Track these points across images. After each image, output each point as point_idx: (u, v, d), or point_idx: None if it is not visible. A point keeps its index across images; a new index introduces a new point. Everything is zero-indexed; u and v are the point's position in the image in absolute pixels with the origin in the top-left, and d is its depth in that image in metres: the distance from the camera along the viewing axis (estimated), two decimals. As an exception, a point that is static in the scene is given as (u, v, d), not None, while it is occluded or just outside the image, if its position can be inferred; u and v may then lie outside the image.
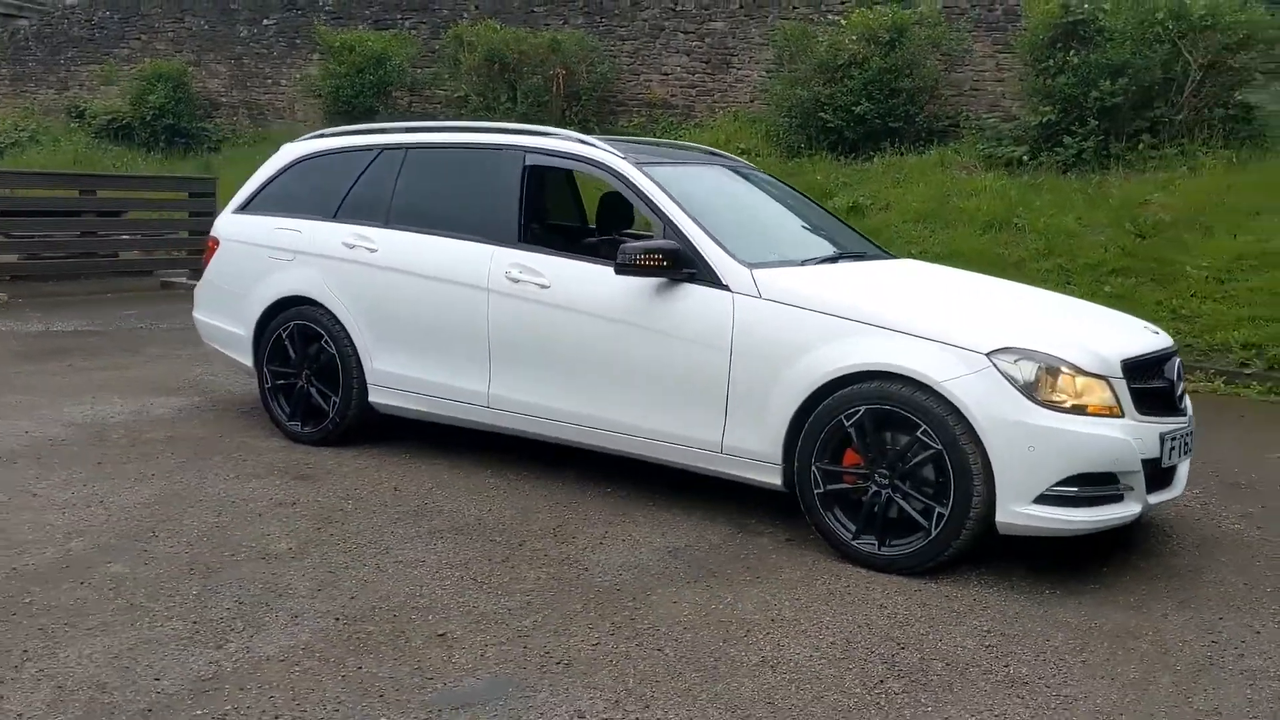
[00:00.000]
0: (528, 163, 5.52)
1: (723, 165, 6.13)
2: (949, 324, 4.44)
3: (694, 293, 4.86)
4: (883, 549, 4.40)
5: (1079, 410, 4.24)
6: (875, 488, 4.42)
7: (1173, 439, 4.48)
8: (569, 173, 6.34)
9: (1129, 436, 4.29)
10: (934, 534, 4.29)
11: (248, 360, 6.23)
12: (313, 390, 5.96)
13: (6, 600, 3.87)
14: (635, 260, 4.83)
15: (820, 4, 14.66)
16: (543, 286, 5.22)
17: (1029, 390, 4.22)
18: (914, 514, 4.34)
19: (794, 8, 14.82)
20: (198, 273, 11.90)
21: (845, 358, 4.46)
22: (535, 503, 5.14)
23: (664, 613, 3.96)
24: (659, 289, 4.93)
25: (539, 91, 14.95)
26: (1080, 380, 4.26)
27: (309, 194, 6.16)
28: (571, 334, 5.15)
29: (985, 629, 3.92)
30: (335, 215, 5.98)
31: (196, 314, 6.61)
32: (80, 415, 6.36)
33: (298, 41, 18.38)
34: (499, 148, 5.66)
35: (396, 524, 4.79)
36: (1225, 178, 11.07)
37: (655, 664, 3.56)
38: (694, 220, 5.00)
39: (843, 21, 13.55)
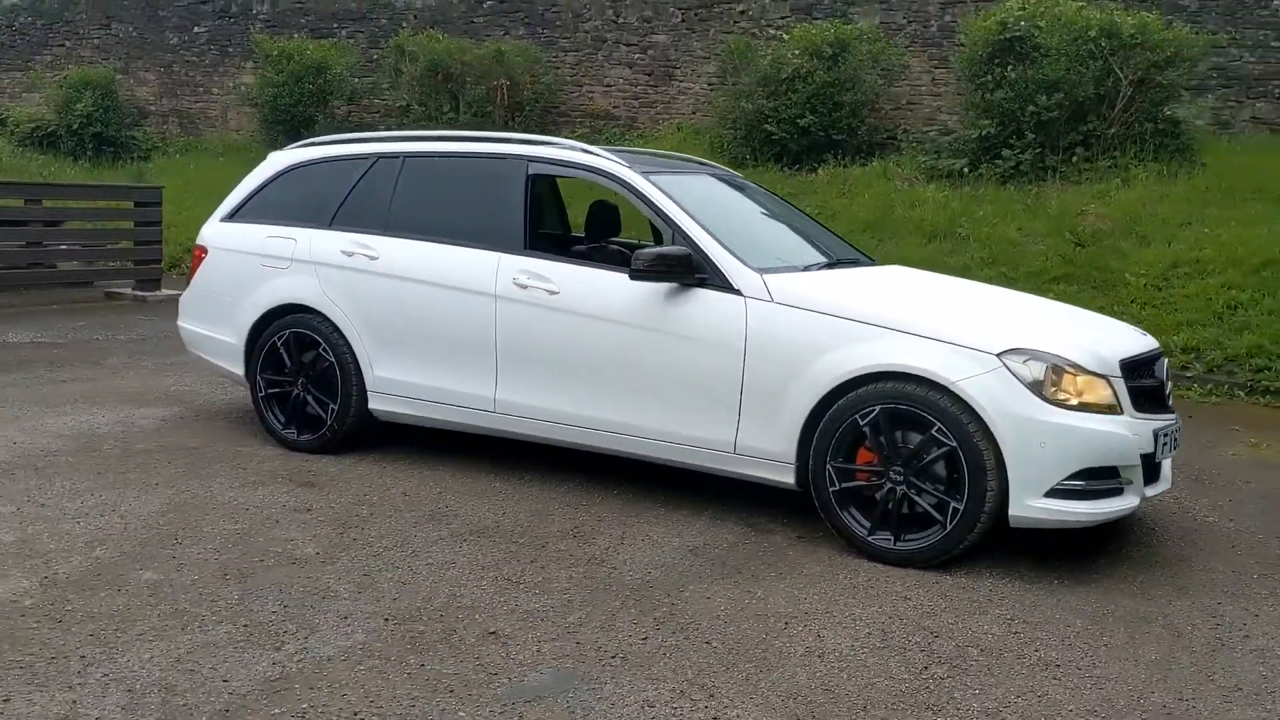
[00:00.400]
0: (531, 171, 5.61)
1: (713, 174, 6.29)
2: (959, 326, 4.64)
3: (705, 297, 4.99)
4: (898, 544, 4.58)
5: (1084, 408, 4.46)
6: (890, 484, 4.59)
7: (1164, 435, 4.73)
8: (554, 180, 6.45)
9: (1129, 432, 4.52)
10: (949, 528, 4.47)
11: (237, 369, 6.22)
12: (309, 398, 5.96)
13: (48, 608, 3.85)
14: (649, 266, 4.96)
15: (761, 19, 14.94)
16: (551, 293, 5.31)
17: (1037, 389, 4.43)
18: (929, 509, 4.52)
19: (735, 22, 15.09)
20: (144, 283, 11.84)
21: (861, 359, 4.63)
22: (547, 505, 5.22)
23: (700, 608, 4.08)
24: (669, 294, 5.05)
25: (482, 102, 15.00)
26: (1083, 379, 4.49)
27: (301, 202, 6.17)
28: (581, 339, 5.25)
29: (1008, 617, 4.10)
30: (331, 223, 6.00)
31: (182, 323, 6.57)
32: (65, 426, 6.28)
33: (230, 49, 18.18)
34: (501, 156, 5.75)
35: (416, 528, 4.84)
36: (1156, 189, 11.54)
37: (707, 656, 3.68)
38: (702, 227, 5.14)
39: (785, 36, 13.83)
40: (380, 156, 6.06)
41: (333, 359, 5.86)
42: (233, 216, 6.40)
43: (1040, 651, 3.82)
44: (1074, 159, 12.23)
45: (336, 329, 5.85)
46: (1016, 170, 12.25)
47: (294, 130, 16.00)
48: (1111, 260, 10.54)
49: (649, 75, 15.67)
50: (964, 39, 12.90)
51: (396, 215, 5.86)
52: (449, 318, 5.57)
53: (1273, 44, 12.80)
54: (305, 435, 5.99)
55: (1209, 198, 11.29)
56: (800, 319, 4.81)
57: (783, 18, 14.83)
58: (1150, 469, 4.74)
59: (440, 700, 3.31)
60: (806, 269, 5.35)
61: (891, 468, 4.59)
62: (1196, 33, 12.17)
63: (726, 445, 4.95)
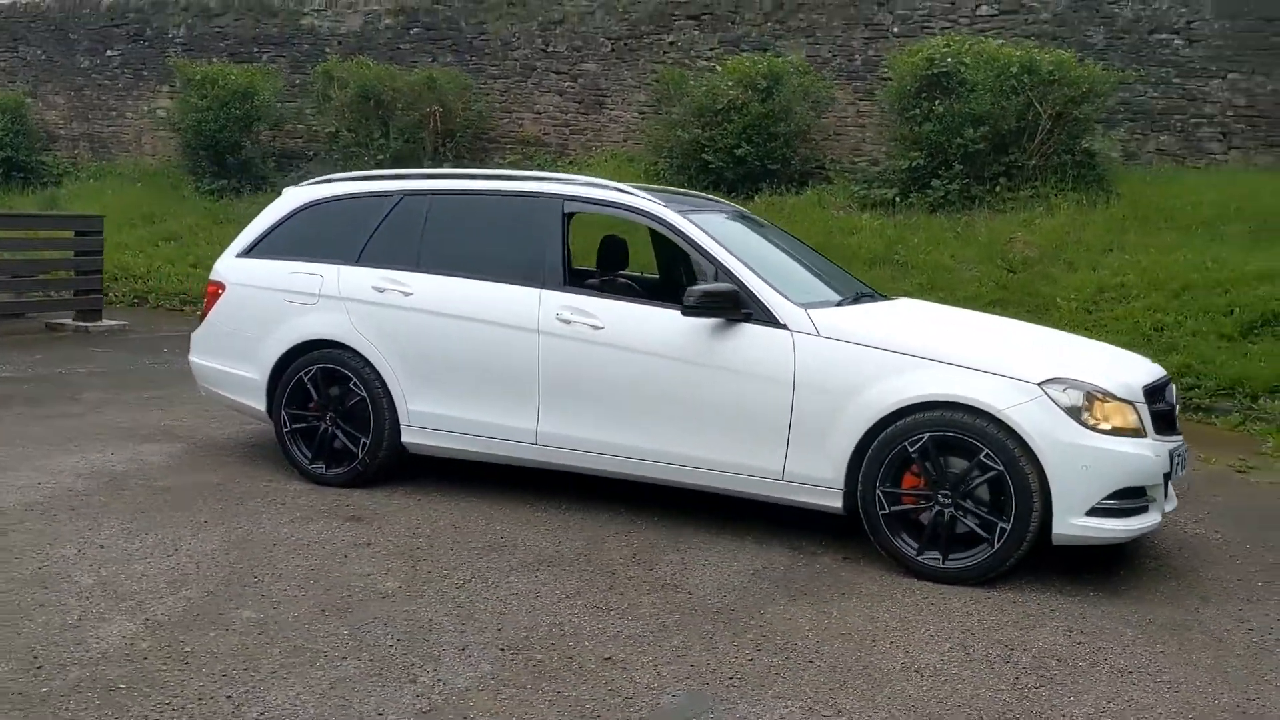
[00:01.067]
0: (566, 210, 5.80)
1: (727, 212, 6.54)
2: (999, 357, 5.00)
3: (751, 332, 5.25)
4: (947, 563, 4.89)
5: (1116, 432, 4.85)
6: (939, 507, 4.90)
7: (1177, 455, 5.15)
8: (569, 216, 6.63)
9: (1153, 454, 4.92)
10: (996, 547, 4.81)
11: (258, 404, 6.25)
12: (338, 432, 6.03)
13: (166, 650, 3.91)
14: (699, 303, 5.20)
15: (690, 50, 15.31)
16: (595, 328, 5.50)
17: (1076, 415, 4.80)
18: (975, 529, 4.84)
19: (665, 52, 15.43)
20: (85, 314, 11.57)
21: (911, 390, 4.94)
22: (596, 533, 5.41)
23: (786, 628, 4.34)
24: (714, 329, 5.30)
25: (414, 128, 15.03)
26: (1113, 405, 4.88)
27: (324, 238, 6.25)
28: (625, 372, 5.45)
29: (1066, 628, 4.45)
30: (359, 259, 6.09)
31: (195, 359, 6.56)
32: (81, 465, 6.22)
33: (145, 73, 17.84)
34: (534, 195, 5.92)
35: (482, 559, 4.99)
36: (1077, 217, 12.21)
37: (817, 674, 3.93)
38: (744, 264, 5.42)
39: (718, 67, 14.21)
40: (405, 194, 6.18)
41: (364, 394, 5.94)
42: (249, 252, 6.44)
43: (1109, 660, 4.15)
44: (998, 189, 12.84)
45: (368, 363, 5.94)
46: (945, 200, 12.81)
47: (218, 156, 15.84)
48: (1042, 285, 11.13)
49: (579, 103, 15.90)
50: (891, 74, 13.44)
51: (428, 252, 5.99)
52: (489, 352, 5.72)
53: (1174, 80, 13.63)
54: (334, 469, 6.05)
55: (1126, 225, 11.98)
56: (848, 353, 5.10)
57: (711, 49, 15.22)
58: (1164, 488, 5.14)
59: (593, 725, 3.48)
60: (839, 304, 5.65)
61: (939, 491, 4.90)
62: (1105, 69, 12.90)
63: (775, 473, 5.21)
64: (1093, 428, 4.81)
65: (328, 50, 16.74)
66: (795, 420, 5.15)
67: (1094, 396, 4.86)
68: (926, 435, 4.90)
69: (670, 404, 5.39)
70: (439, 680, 3.75)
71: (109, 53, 18.07)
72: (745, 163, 13.71)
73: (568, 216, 5.84)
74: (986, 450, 4.80)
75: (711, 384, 5.31)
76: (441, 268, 5.94)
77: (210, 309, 6.48)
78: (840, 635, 4.28)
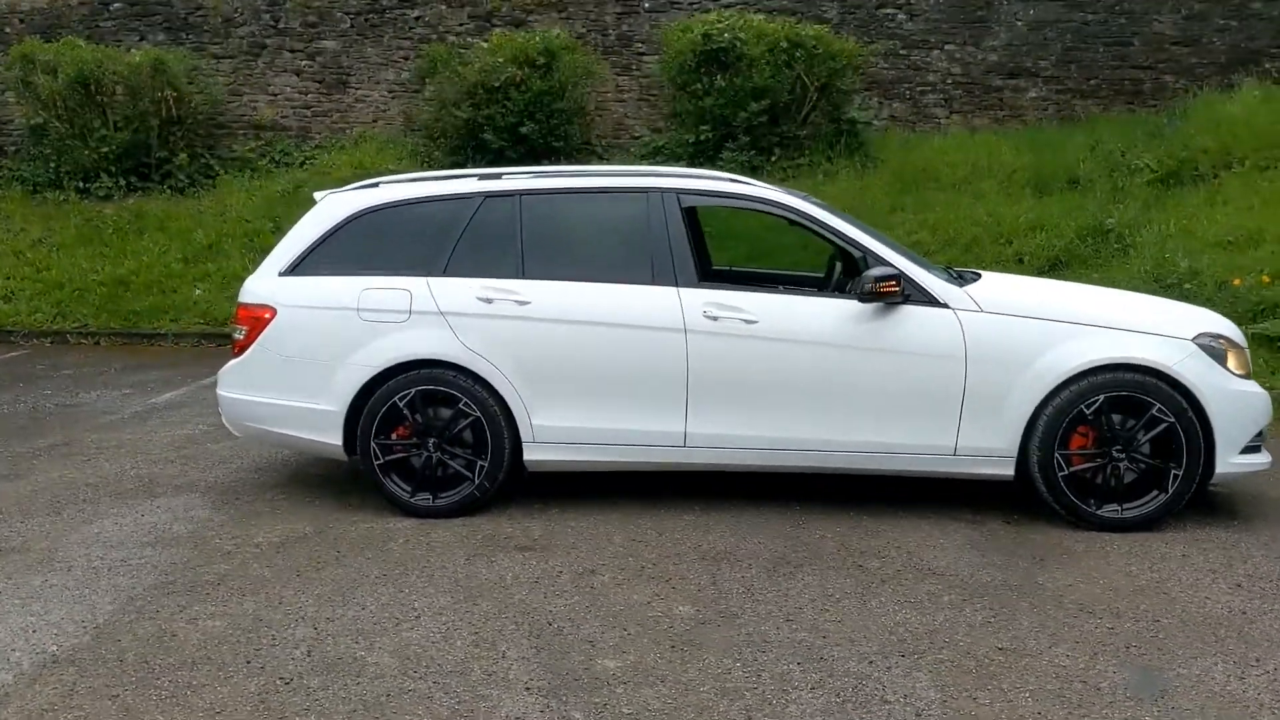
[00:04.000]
0: (684, 204, 5.60)
1: (803, 196, 6.43)
2: (1150, 319, 5.46)
3: (915, 313, 5.38)
4: (1126, 512, 5.30)
5: (1246, 377, 5.44)
6: (1112, 463, 5.28)
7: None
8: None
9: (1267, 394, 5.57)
10: (1171, 491, 5.28)
11: (332, 439, 5.58)
12: (447, 458, 5.49)
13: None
14: (874, 289, 5.25)
15: (439, 25, 14.77)
16: (748, 322, 5.40)
17: (1223, 364, 5.34)
18: (1149, 478, 5.28)
19: (411, 29, 14.79)
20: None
21: (1085, 354, 5.28)
22: (822, 531, 5.38)
23: (1073, 594, 4.53)
24: (876, 313, 5.38)
25: (145, 116, 13.46)
26: (1237, 353, 5.48)
27: (392, 250, 5.66)
28: (786, 364, 5.41)
29: (1235, 583, 4.75)
30: (446, 270, 5.55)
31: (234, 394, 5.73)
32: (143, 523, 5.25)
33: None
34: (646, 190, 5.65)
35: (776, 572, 4.77)
36: (857, 182, 13.14)
37: (1166, 630, 4.17)
38: (892, 248, 5.50)
39: (484, 44, 13.83)
40: (488, 195, 5.69)
41: (479, 413, 5.47)
42: (295, 270, 5.65)
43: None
44: (774, 158, 13.51)
45: (481, 380, 5.47)
46: (735, 171, 13.30)
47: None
48: (848, 248, 11.89)
49: (320, 83, 14.89)
50: (665, 49, 13.70)
51: (532, 257, 5.57)
52: (627, 357, 5.45)
53: (900, 52, 14.90)
54: (442, 499, 5.54)
55: (902, 187, 13.04)
56: (1015, 325, 5.36)
57: (461, 24, 14.77)
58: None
59: None
60: (977, 280, 5.84)
61: (1113, 448, 5.28)
62: (860, 42, 13.89)
63: (947, 449, 5.39)
64: (1237, 375, 5.37)
65: (8, 30, 14.52)
66: (968, 395, 5.34)
67: (1230, 346, 5.42)
68: (1102, 397, 5.26)
69: (835, 391, 5.41)
70: (905, 696, 3.64)
71: None
72: (528, 140, 13.49)
73: (687, 211, 5.63)
74: (1159, 405, 5.23)
75: (878, 367, 5.38)
76: (551, 273, 5.56)
77: (254, 337, 5.62)
78: (1135, 591, 4.54)
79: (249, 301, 5.72)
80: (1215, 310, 6.32)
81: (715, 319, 5.43)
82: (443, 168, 13.66)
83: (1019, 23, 14.71)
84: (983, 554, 5.03)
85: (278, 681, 3.76)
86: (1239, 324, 6.19)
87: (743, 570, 4.80)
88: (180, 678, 3.80)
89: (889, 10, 14.96)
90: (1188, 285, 9.30)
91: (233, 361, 5.76)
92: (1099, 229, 11.56)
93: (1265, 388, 5.64)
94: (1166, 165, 12.56)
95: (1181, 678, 3.81)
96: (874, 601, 4.47)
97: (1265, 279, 9.03)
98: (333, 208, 5.78)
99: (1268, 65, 14.33)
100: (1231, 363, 5.41)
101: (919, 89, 15.03)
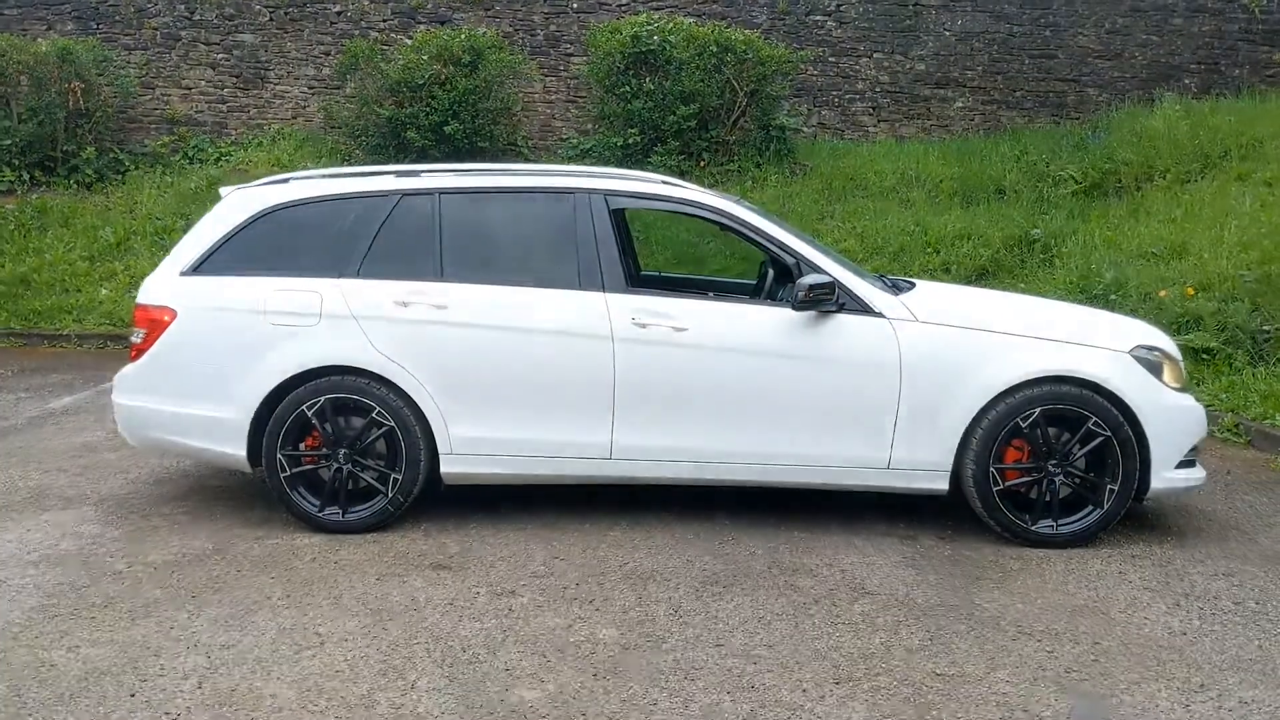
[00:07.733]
0: (613, 206, 5.37)
1: (734, 199, 6.25)
2: (1087, 331, 5.34)
3: (849, 322, 5.21)
4: (1061, 528, 5.18)
5: (1183, 390, 5.34)
6: (1046, 476, 5.16)
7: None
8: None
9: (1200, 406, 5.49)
10: (1106, 506, 5.18)
11: (234, 449, 5.25)
12: (359, 471, 5.20)
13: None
14: (808, 297, 5.07)
15: (361, 21, 14.39)
16: (678, 329, 5.19)
17: (1159, 377, 5.24)
18: (1084, 493, 5.17)
19: (332, 23, 14.40)
20: None
21: (1018, 366, 5.15)
22: (757, 548, 5.16)
23: (1009, 614, 4.39)
24: (809, 322, 5.20)
25: (51, 107, 12.90)
26: (1172, 365, 5.39)
27: (302, 249, 5.35)
28: (717, 373, 5.21)
29: (1173, 602, 4.65)
30: (359, 271, 5.25)
31: (128, 400, 5.37)
32: (28, 539, 4.87)
33: None
34: (571, 191, 5.40)
35: (704, 591, 4.55)
36: (786, 189, 13.05)
37: (1106, 653, 4.03)
38: (827, 255, 5.33)
39: (408, 41, 13.49)
40: (405, 194, 5.40)
41: (393, 423, 5.18)
42: (199, 269, 5.31)
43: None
44: (703, 164, 13.35)
45: (396, 389, 5.19)
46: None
47: None
48: (779, 255, 11.76)
49: (237, 77, 14.41)
50: (592, 51, 13.47)
51: (451, 259, 5.30)
52: (551, 365, 5.21)
53: (830, 59, 14.84)
54: (353, 514, 5.25)
55: (830, 194, 12.97)
56: (951, 336, 5.21)
57: (385, 20, 14.41)
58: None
59: None
60: (911, 289, 5.68)
61: (1048, 462, 5.15)
62: (790, 49, 13.79)
63: (880, 462, 5.22)
64: (1170, 388, 5.27)
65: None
66: (902, 407, 5.18)
67: (1165, 359, 5.32)
68: (1038, 410, 5.13)
69: (765, 402, 5.22)
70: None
71: None
72: (453, 139, 13.17)
73: (615, 213, 5.40)
74: (1095, 418, 5.12)
75: (811, 377, 5.20)
76: (472, 276, 5.29)
77: (153, 341, 5.27)
78: (1073, 611, 4.41)
79: (147, 303, 5.37)
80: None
81: (643, 326, 5.20)
82: (366, 166, 13.30)
83: (947, 32, 14.73)
84: (918, 571, 4.86)
85: (163, 717, 3.45)
86: (1165, 336, 6.13)
87: (670, 590, 4.58)
88: (54, 714, 3.47)
89: (818, 17, 14.89)
90: (1113, 296, 9.29)
91: (129, 366, 5.40)
92: (1025, 239, 11.59)
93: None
94: (1090, 177, 12.65)
95: (1125, 705, 3.67)
96: (807, 624, 4.27)
97: (1190, 291, 9.04)
98: (239, 204, 5.45)
99: (1187, 81, 14.52)
100: (1167, 375, 5.32)
101: (848, 96, 14.98)
